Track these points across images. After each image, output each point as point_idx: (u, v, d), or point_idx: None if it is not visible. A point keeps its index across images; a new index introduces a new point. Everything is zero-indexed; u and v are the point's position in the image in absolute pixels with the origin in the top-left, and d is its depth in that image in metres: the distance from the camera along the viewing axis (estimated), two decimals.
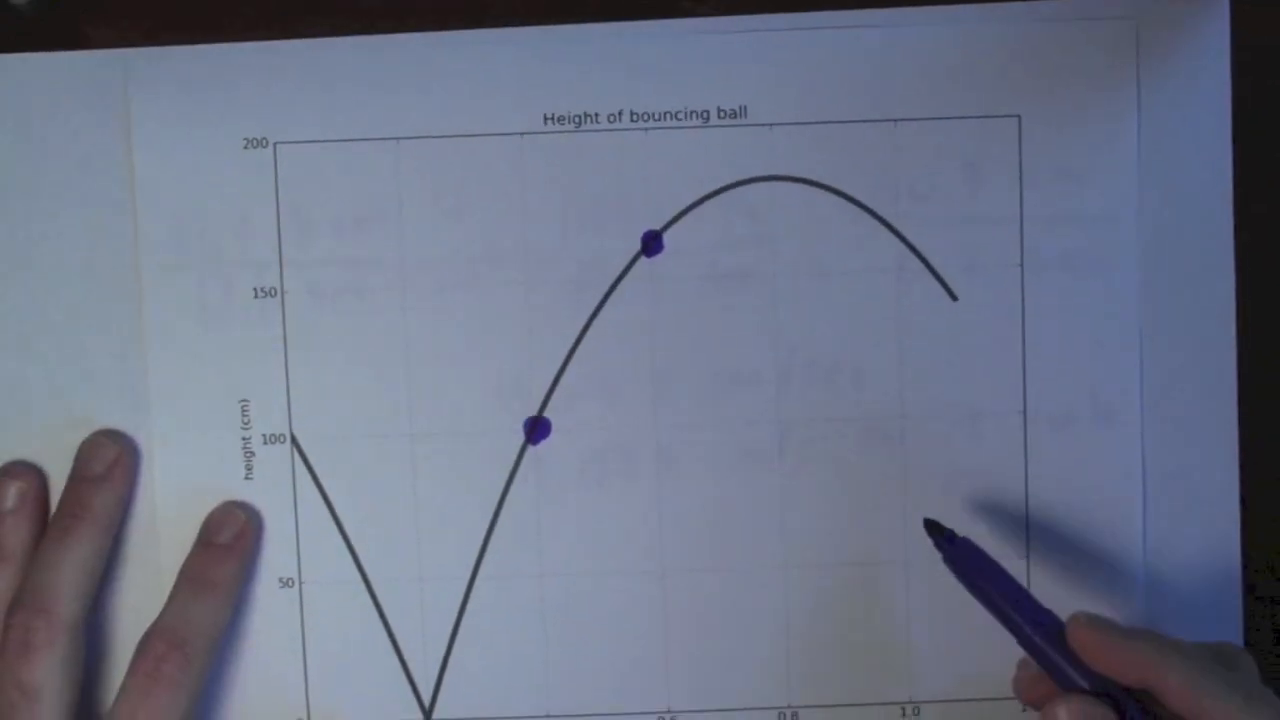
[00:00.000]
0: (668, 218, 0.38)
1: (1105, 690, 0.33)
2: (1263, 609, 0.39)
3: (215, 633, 0.37)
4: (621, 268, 0.39)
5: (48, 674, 0.35)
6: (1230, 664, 0.33)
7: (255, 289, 0.39)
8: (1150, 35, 0.38)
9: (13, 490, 0.37)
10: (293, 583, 0.39)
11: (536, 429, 0.39)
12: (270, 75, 0.38)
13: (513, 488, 0.39)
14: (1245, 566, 0.38)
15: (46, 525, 0.37)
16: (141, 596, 0.38)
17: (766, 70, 0.38)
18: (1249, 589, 0.38)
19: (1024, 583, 0.38)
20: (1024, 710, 0.39)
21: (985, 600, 0.35)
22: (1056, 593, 0.38)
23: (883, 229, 0.38)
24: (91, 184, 0.38)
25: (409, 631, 0.39)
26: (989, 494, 0.38)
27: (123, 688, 0.35)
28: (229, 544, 0.38)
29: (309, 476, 0.39)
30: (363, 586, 0.39)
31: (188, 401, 0.38)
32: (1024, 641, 0.34)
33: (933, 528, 0.36)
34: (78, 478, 0.38)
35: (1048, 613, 0.34)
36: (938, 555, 0.38)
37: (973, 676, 0.39)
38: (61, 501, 0.37)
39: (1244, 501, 0.38)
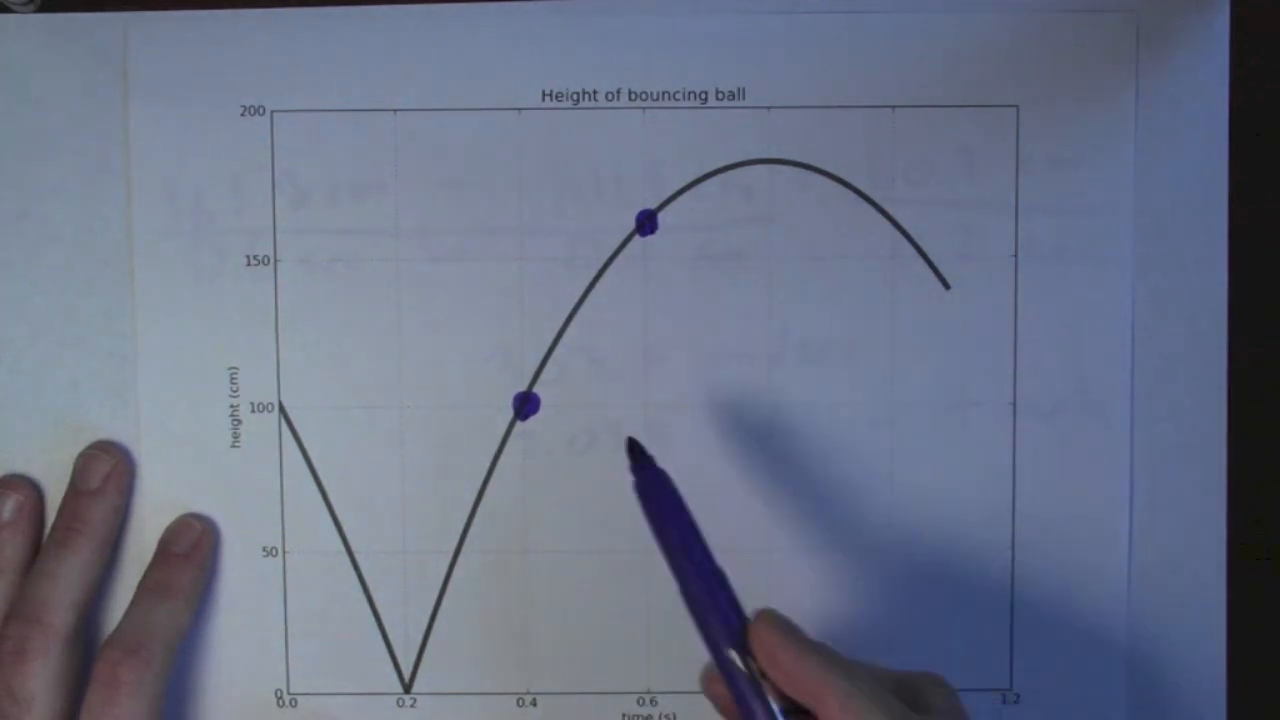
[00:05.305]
0: (663, 197, 0.38)
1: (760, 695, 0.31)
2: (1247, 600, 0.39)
3: (173, 636, 0.37)
4: (615, 246, 0.38)
5: (41, 683, 0.35)
6: (917, 694, 0.32)
7: (248, 257, 0.38)
8: (1150, 28, 0.38)
9: (10, 503, 0.38)
10: (276, 552, 0.39)
11: (526, 404, 0.39)
12: (269, 43, 0.38)
13: (500, 463, 0.39)
14: (1231, 559, 0.38)
15: (42, 537, 0.38)
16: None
17: (765, 53, 0.38)
18: (1233, 580, 0.38)
19: (1008, 574, 0.39)
20: None
21: (665, 548, 0.32)
22: (1042, 584, 0.38)
23: (878, 215, 0.38)
24: (87, 147, 0.38)
25: (391, 604, 0.39)
26: (976, 483, 0.38)
27: (84, 700, 0.35)
28: (186, 553, 0.38)
29: (296, 446, 0.39)
30: (346, 558, 0.39)
31: (176, 366, 0.38)
32: (696, 614, 0.32)
33: (634, 450, 0.33)
34: (74, 491, 0.38)
35: (729, 593, 0.32)
36: (925, 541, 0.38)
37: (955, 660, 0.39)
38: (59, 514, 0.38)
39: (1231, 496, 0.38)
